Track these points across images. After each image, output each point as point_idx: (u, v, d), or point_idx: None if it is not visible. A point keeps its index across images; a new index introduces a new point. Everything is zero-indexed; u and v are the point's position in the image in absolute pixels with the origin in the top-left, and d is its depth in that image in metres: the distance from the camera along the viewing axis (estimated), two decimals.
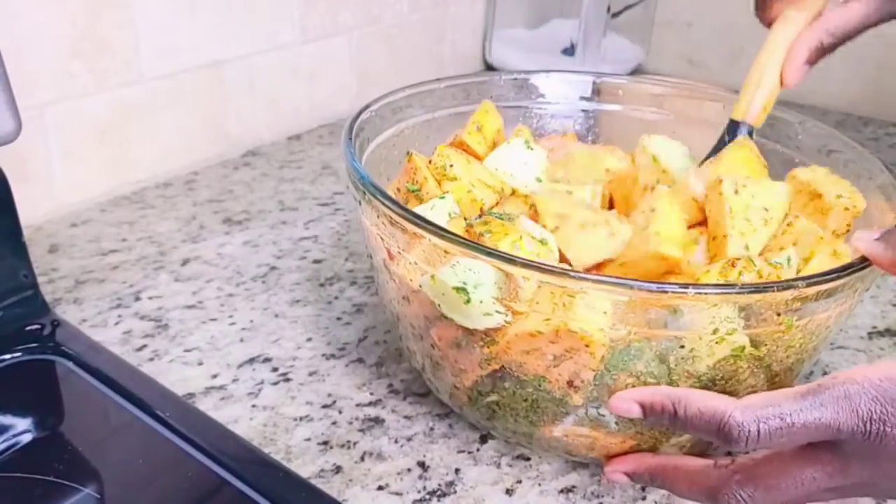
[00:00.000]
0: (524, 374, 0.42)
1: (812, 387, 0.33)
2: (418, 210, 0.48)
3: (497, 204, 0.53)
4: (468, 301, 0.40)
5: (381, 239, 0.44)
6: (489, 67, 1.19)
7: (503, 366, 0.42)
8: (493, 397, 0.44)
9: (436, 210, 0.49)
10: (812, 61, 0.54)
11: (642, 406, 0.38)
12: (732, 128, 0.56)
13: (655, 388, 0.38)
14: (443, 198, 0.49)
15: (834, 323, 0.42)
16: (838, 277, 0.38)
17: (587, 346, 0.39)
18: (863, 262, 0.39)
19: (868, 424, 0.32)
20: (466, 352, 0.43)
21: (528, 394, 0.42)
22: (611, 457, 0.43)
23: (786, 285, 0.37)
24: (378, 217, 0.43)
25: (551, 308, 0.38)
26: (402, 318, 0.47)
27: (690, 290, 0.36)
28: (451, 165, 0.51)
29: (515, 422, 0.44)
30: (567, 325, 0.39)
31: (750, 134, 0.56)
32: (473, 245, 0.39)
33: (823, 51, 0.54)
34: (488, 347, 0.42)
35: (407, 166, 0.52)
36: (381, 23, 1.02)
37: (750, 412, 0.33)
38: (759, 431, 0.33)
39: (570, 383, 0.41)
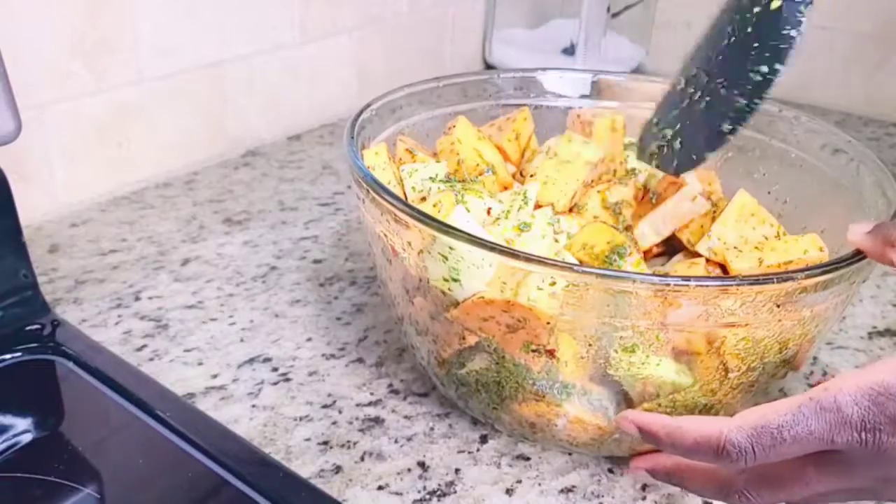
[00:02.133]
0: (488, 343, 0.43)
1: (803, 399, 0.33)
2: (405, 169, 0.52)
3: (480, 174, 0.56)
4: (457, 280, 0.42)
5: (385, 236, 0.45)
6: (489, 67, 1.19)
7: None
8: (470, 368, 0.45)
9: (415, 175, 0.52)
10: None
11: (639, 428, 0.39)
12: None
13: (653, 417, 0.39)
14: (426, 165, 0.53)
15: (831, 314, 0.43)
16: (836, 269, 0.39)
17: (536, 317, 0.40)
18: (859, 255, 0.40)
19: (862, 434, 0.32)
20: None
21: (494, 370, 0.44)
22: (636, 455, 0.44)
23: (784, 277, 0.38)
24: (382, 214, 0.44)
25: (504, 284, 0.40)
26: (406, 316, 0.48)
27: (692, 283, 0.37)
28: (453, 126, 0.55)
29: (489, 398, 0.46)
30: (517, 296, 0.39)
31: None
32: (477, 240, 0.39)
33: None
34: (452, 308, 0.43)
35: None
36: (381, 23, 1.02)
37: (744, 432, 0.34)
38: (754, 450, 0.34)
39: (526, 347, 0.42)
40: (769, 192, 0.58)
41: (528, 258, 0.38)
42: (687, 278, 0.38)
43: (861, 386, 0.32)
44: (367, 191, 0.44)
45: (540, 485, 0.47)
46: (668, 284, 0.37)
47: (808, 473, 0.35)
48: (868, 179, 0.51)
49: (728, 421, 0.35)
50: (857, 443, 0.32)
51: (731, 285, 0.37)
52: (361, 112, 0.53)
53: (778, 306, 0.38)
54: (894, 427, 0.32)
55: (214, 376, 0.54)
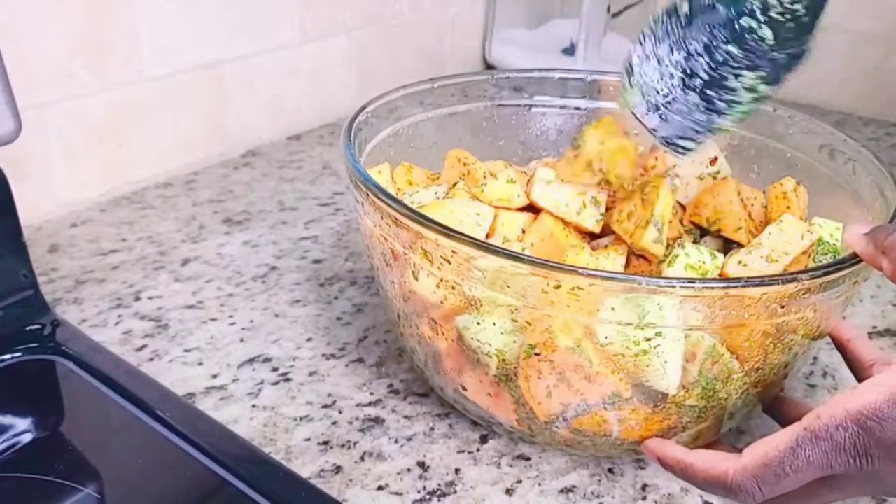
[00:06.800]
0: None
1: (798, 430, 0.35)
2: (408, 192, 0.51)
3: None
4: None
5: (384, 239, 0.44)
6: (489, 67, 1.19)
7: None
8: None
9: (416, 196, 0.51)
10: None
11: (658, 459, 0.41)
12: None
13: (671, 450, 0.41)
14: (427, 188, 0.52)
15: (833, 314, 0.43)
16: (839, 269, 0.39)
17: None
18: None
19: (854, 459, 0.34)
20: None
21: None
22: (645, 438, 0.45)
23: (789, 278, 0.38)
24: (381, 217, 0.43)
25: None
26: (404, 317, 0.47)
27: (697, 284, 0.37)
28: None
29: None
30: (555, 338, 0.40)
31: None
32: (483, 245, 0.39)
33: None
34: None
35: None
36: (381, 23, 1.02)
37: (748, 473, 0.36)
38: (760, 490, 0.36)
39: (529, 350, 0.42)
40: (764, 192, 0.58)
41: (532, 261, 0.38)
42: (692, 280, 0.37)
43: (850, 411, 0.34)
44: (367, 193, 0.44)
45: (540, 485, 0.47)
46: (674, 287, 0.37)
47: (811, 486, 0.37)
48: (865, 179, 0.51)
49: (733, 461, 0.37)
50: (853, 467, 0.34)
51: (737, 287, 0.37)
52: (358, 114, 0.53)
53: (782, 307, 0.38)
54: (883, 449, 0.34)
55: (214, 376, 0.54)
